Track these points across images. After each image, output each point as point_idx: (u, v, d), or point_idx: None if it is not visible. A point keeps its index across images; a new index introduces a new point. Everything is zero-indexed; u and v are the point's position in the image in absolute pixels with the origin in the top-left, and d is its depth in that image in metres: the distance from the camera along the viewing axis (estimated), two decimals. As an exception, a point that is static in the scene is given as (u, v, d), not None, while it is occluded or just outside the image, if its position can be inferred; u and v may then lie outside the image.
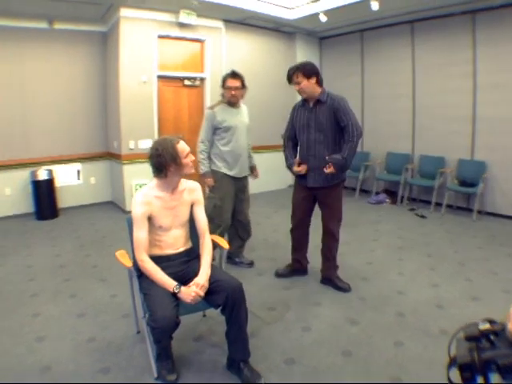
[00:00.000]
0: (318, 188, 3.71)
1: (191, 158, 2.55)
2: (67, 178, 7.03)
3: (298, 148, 3.82)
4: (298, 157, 3.82)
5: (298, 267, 4.10)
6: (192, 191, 2.69)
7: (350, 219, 6.26)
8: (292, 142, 3.88)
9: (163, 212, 2.54)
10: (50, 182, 6.60)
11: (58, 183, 6.82)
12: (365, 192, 7.86)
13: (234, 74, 4.06)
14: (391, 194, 7.37)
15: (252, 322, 3.17)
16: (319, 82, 3.57)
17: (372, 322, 3.19)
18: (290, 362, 2.70)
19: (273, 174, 8.10)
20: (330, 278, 3.87)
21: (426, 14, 6.59)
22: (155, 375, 2.53)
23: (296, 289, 3.85)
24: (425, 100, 6.97)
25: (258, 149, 7.59)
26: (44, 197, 6.55)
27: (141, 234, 2.48)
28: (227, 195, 4.15)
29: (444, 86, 6.66)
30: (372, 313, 3.34)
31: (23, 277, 4.22)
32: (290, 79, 3.61)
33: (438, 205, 6.58)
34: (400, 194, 7.15)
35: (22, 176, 6.56)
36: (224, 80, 4.09)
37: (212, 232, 3.73)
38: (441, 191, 6.57)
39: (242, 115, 4.24)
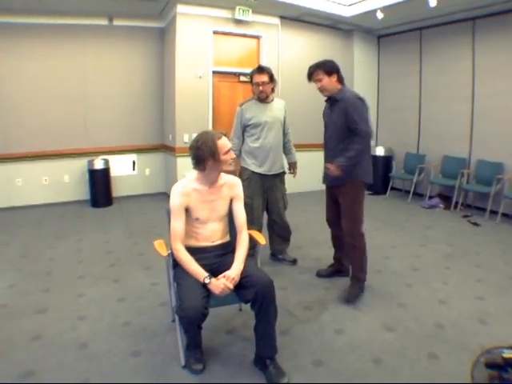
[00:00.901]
0: (334, 186, 3.66)
1: (231, 155, 2.56)
2: (123, 168, 7.32)
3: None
4: None
5: (339, 268, 4.04)
6: (232, 186, 2.72)
7: (399, 222, 6.14)
8: None
9: (200, 205, 2.58)
10: (105, 172, 6.91)
11: (113, 173, 7.12)
12: (418, 195, 7.62)
13: (261, 69, 4.02)
14: (445, 198, 7.10)
15: (286, 319, 3.20)
16: (340, 80, 3.52)
17: (408, 331, 3.08)
18: (317, 363, 2.67)
19: (321, 173, 7.98)
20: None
21: (486, 11, 6.25)
22: (182, 363, 2.59)
23: (335, 290, 3.79)
24: (485, 102, 6.62)
25: (305, 147, 7.54)
26: (99, 185, 6.86)
27: (177, 224, 2.53)
28: (256, 193, 4.13)
29: (505, 87, 6.30)
30: (410, 321, 3.23)
31: (73, 259, 4.47)
32: (310, 77, 3.54)
33: (494, 213, 6.26)
34: (454, 199, 6.87)
35: (80, 164, 6.91)
36: (251, 76, 4.07)
37: None
38: (497, 199, 6.25)
39: (274, 110, 4.16)
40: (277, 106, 4.21)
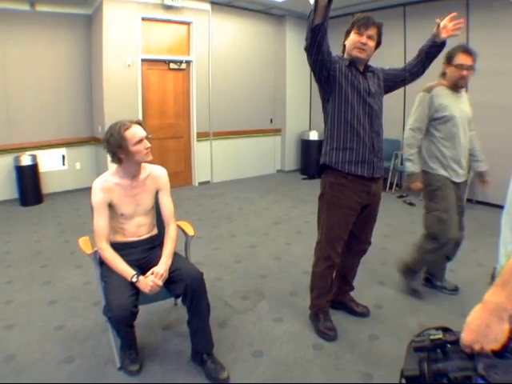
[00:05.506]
0: (375, 179, 2.74)
1: (145, 144, 2.40)
2: (52, 164, 6.93)
3: (344, 125, 2.68)
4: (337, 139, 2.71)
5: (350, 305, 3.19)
6: (156, 178, 2.59)
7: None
8: None
9: (124, 200, 2.45)
10: (33, 168, 6.49)
11: (42, 169, 6.70)
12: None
13: (467, 50, 3.08)
14: (381, 180, 7.28)
15: (223, 311, 3.15)
16: None
17: (347, 315, 3.09)
18: (258, 354, 2.64)
19: (261, 159, 8.11)
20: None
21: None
22: (118, 365, 2.48)
23: (271, 278, 3.77)
24: (419, 84, 6.81)
25: (249, 133, 7.58)
26: (28, 182, 6.44)
27: (100, 221, 2.39)
28: (452, 205, 3.13)
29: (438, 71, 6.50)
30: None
31: (1, 263, 4.16)
32: (366, 24, 2.69)
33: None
34: (389, 180, 7.04)
35: (6, 162, 6.44)
36: (452, 56, 3.11)
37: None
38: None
39: (465, 103, 3.27)
40: (465, 98, 3.31)
